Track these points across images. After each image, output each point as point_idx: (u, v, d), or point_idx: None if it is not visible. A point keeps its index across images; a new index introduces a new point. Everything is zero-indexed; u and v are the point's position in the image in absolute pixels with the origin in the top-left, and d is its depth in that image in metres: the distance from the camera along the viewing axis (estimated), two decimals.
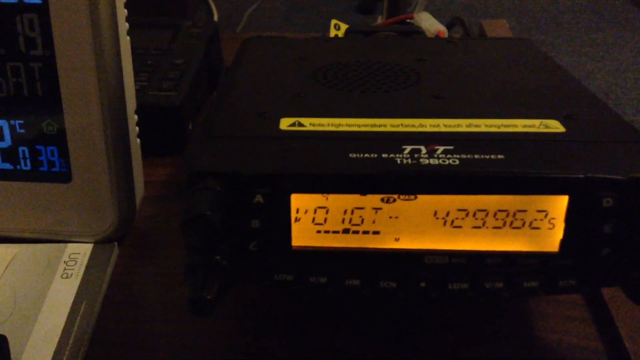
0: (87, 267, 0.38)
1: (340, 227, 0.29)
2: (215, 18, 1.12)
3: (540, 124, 0.31)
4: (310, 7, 2.36)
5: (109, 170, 0.38)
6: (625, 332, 0.34)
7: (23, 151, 0.39)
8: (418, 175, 0.27)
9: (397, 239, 0.29)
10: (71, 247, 0.39)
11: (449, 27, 0.63)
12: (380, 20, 0.86)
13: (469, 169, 0.27)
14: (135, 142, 0.40)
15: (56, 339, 0.33)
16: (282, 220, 0.28)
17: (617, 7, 2.44)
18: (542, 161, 0.28)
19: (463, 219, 0.28)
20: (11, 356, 0.31)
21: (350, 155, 0.28)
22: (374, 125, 0.31)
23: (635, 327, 0.34)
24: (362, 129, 0.31)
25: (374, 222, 0.29)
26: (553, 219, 0.28)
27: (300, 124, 0.31)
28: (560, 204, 0.27)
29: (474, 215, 0.28)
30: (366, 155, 0.28)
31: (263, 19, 2.23)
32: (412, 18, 0.65)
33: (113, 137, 0.37)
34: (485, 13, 2.35)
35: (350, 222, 0.29)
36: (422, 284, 0.29)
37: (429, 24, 0.62)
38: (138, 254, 0.40)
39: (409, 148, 0.29)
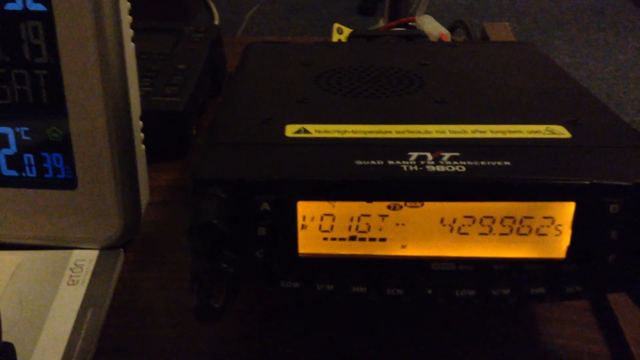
0: (93, 274, 0.38)
1: (346, 235, 0.29)
2: (217, 21, 1.11)
3: (546, 129, 0.31)
4: (311, 9, 2.36)
5: (114, 176, 0.38)
6: (630, 337, 0.34)
7: (28, 158, 0.39)
8: (424, 182, 0.27)
9: (403, 246, 0.29)
10: (77, 254, 0.39)
11: (451, 30, 0.63)
12: (381, 22, 0.86)
13: (476, 175, 0.27)
14: (140, 148, 0.40)
15: (63, 346, 0.33)
16: (289, 227, 0.28)
17: (618, 7, 2.44)
18: (548, 168, 0.28)
19: (470, 225, 0.28)
20: None
21: (357, 162, 0.28)
22: (380, 132, 0.31)
23: None
24: (368, 135, 0.31)
25: (380, 229, 0.29)
26: (560, 225, 0.28)
27: (306, 131, 0.32)
28: (567, 210, 0.27)
29: (481, 222, 0.28)
30: (372, 162, 0.28)
31: (263, 21, 2.23)
32: (414, 21, 0.65)
33: (118, 144, 0.37)
34: (486, 14, 2.35)
35: (356, 229, 0.29)
36: (429, 291, 0.29)
37: (431, 27, 0.62)
38: (144, 259, 0.40)
39: (415, 155, 0.29)
